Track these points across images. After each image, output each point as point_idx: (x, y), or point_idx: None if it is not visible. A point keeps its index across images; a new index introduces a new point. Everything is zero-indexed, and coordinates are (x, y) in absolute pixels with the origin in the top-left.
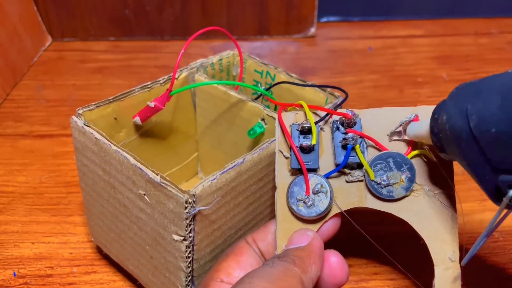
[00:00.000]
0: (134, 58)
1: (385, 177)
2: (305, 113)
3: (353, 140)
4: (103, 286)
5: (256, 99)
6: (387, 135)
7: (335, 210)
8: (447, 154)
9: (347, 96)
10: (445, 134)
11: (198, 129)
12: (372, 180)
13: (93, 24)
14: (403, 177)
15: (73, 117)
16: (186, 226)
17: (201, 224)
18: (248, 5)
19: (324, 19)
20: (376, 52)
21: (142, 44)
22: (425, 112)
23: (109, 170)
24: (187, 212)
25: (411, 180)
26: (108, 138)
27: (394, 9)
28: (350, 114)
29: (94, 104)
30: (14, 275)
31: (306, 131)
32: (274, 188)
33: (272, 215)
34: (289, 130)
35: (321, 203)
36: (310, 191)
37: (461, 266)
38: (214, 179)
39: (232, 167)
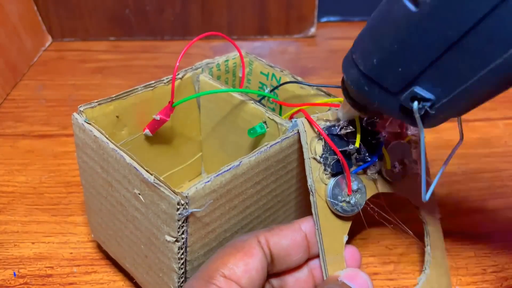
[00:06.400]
0: (134, 58)
1: (396, 164)
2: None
3: (384, 137)
4: (103, 286)
5: (260, 100)
6: (384, 127)
7: None
8: (366, 108)
9: None
10: (352, 91)
11: (202, 129)
12: (388, 169)
13: (93, 24)
14: (406, 161)
15: (75, 114)
16: (178, 228)
17: (194, 226)
18: (248, 5)
19: (324, 19)
20: None
21: (142, 44)
22: None
23: (107, 168)
24: (179, 214)
25: (410, 162)
26: (107, 136)
27: None
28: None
29: (96, 102)
30: (14, 275)
31: (344, 134)
32: (272, 192)
33: (270, 220)
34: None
35: (361, 200)
36: (352, 191)
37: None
38: (208, 181)
39: (227, 170)
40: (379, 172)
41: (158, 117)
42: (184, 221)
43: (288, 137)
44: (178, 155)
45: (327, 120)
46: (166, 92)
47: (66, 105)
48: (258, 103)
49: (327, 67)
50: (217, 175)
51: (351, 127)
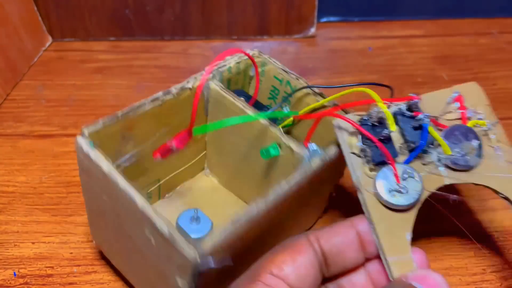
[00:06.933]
0: (134, 58)
1: (458, 149)
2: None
3: (427, 118)
4: (103, 286)
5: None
6: (440, 115)
7: (425, 194)
8: None
9: (392, 89)
10: None
11: (208, 134)
12: (449, 155)
13: (93, 24)
14: (473, 145)
15: (78, 137)
16: (192, 279)
17: (208, 277)
18: (248, 5)
19: (324, 19)
20: (376, 52)
21: (142, 44)
22: (461, 90)
23: (115, 201)
24: (193, 268)
25: (480, 146)
26: (117, 172)
27: (394, 9)
28: (417, 96)
29: (101, 122)
30: (14, 275)
31: (377, 123)
32: (282, 222)
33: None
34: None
35: (415, 187)
36: (400, 179)
37: None
38: (226, 232)
39: (245, 220)
40: (443, 162)
41: (173, 146)
42: (198, 274)
43: (306, 173)
44: (183, 156)
45: (359, 115)
46: (175, 105)
47: (66, 105)
48: (271, 123)
49: (327, 67)
50: (234, 227)
51: (382, 112)
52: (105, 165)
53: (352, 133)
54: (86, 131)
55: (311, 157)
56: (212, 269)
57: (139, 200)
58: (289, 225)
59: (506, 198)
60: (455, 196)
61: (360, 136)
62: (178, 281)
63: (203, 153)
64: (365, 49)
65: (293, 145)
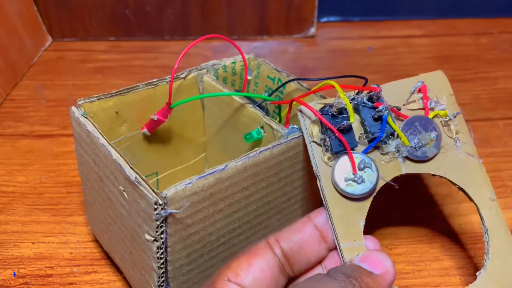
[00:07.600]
0: (134, 58)
1: (416, 140)
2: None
3: (386, 110)
4: (103, 286)
5: (259, 104)
6: (403, 105)
7: (380, 183)
8: None
9: (366, 80)
10: None
11: (206, 130)
12: (407, 146)
13: (93, 24)
14: (432, 136)
15: (73, 107)
16: (157, 228)
17: (174, 227)
18: (248, 5)
19: (324, 19)
20: (376, 52)
21: (142, 44)
22: (427, 79)
23: (98, 163)
24: (156, 214)
25: (439, 137)
26: (99, 131)
27: (394, 9)
28: (377, 87)
29: (96, 97)
30: (14, 275)
31: (337, 113)
32: (263, 198)
33: (262, 226)
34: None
35: (370, 177)
36: (357, 169)
37: None
38: (189, 183)
39: (211, 173)
40: (402, 153)
41: (155, 117)
42: (162, 221)
43: (280, 144)
44: (180, 153)
45: (324, 103)
46: (168, 91)
47: (66, 105)
48: (256, 107)
49: (327, 67)
50: (199, 178)
51: (343, 103)
52: (91, 127)
53: (314, 121)
54: (80, 102)
55: (289, 134)
56: (177, 219)
57: (114, 152)
58: (272, 207)
59: (462, 189)
60: (396, 185)
61: (320, 125)
62: (146, 237)
63: (203, 154)
64: (365, 49)
65: (274, 124)
